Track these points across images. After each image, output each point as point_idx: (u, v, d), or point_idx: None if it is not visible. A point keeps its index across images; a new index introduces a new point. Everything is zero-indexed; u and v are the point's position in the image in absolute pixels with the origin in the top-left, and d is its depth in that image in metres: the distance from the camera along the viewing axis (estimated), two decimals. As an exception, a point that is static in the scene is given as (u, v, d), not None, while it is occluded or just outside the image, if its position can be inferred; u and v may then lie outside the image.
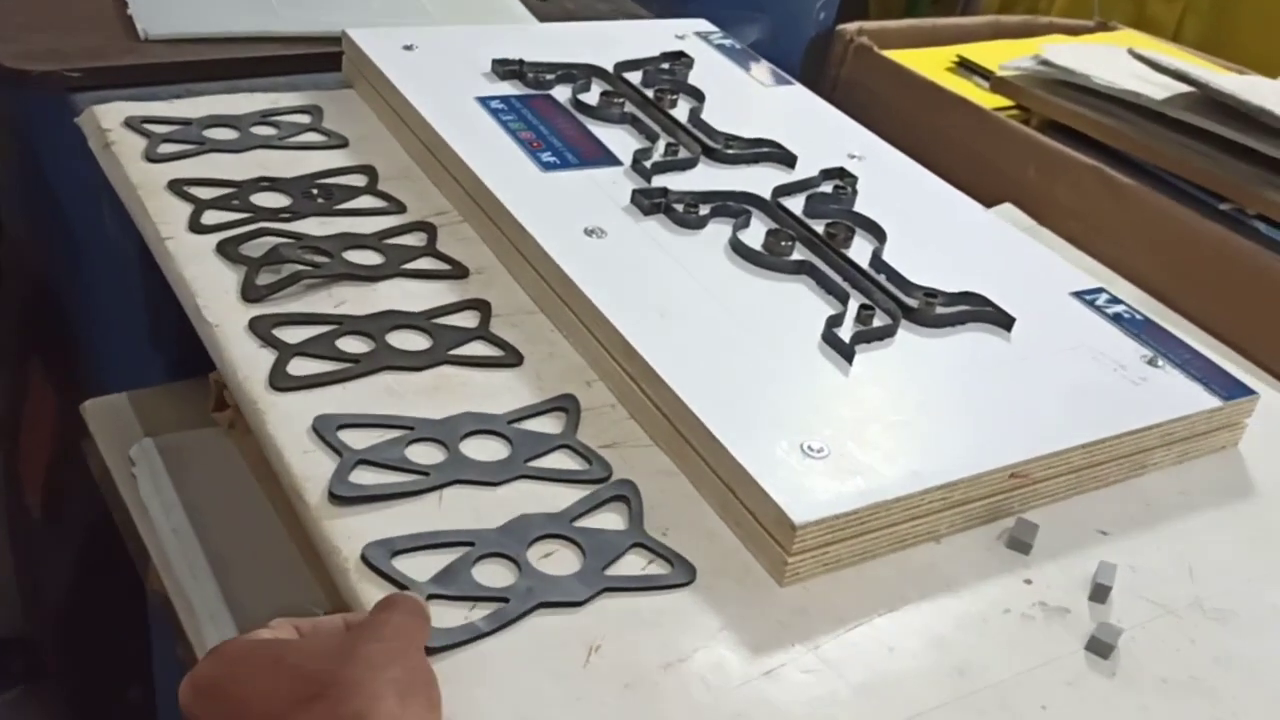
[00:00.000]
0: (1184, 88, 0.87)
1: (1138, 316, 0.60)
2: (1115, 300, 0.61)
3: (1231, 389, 0.56)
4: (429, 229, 0.62)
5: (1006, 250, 0.65)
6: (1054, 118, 0.92)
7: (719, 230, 0.61)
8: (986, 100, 0.95)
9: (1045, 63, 0.94)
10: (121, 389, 0.75)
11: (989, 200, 0.84)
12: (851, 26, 1.03)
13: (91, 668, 1.13)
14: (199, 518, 0.62)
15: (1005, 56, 1.00)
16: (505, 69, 0.73)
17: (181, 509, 0.62)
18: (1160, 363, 0.56)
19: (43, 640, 1.28)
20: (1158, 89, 0.88)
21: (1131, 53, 0.93)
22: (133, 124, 0.67)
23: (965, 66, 1.04)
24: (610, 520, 0.46)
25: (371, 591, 0.41)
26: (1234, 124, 0.82)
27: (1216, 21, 1.46)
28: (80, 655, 1.15)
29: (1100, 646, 0.44)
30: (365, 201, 0.64)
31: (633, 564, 0.44)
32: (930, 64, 1.03)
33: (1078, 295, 0.61)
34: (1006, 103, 0.96)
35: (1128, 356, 0.56)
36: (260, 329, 0.53)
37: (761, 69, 0.82)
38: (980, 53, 1.06)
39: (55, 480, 1.09)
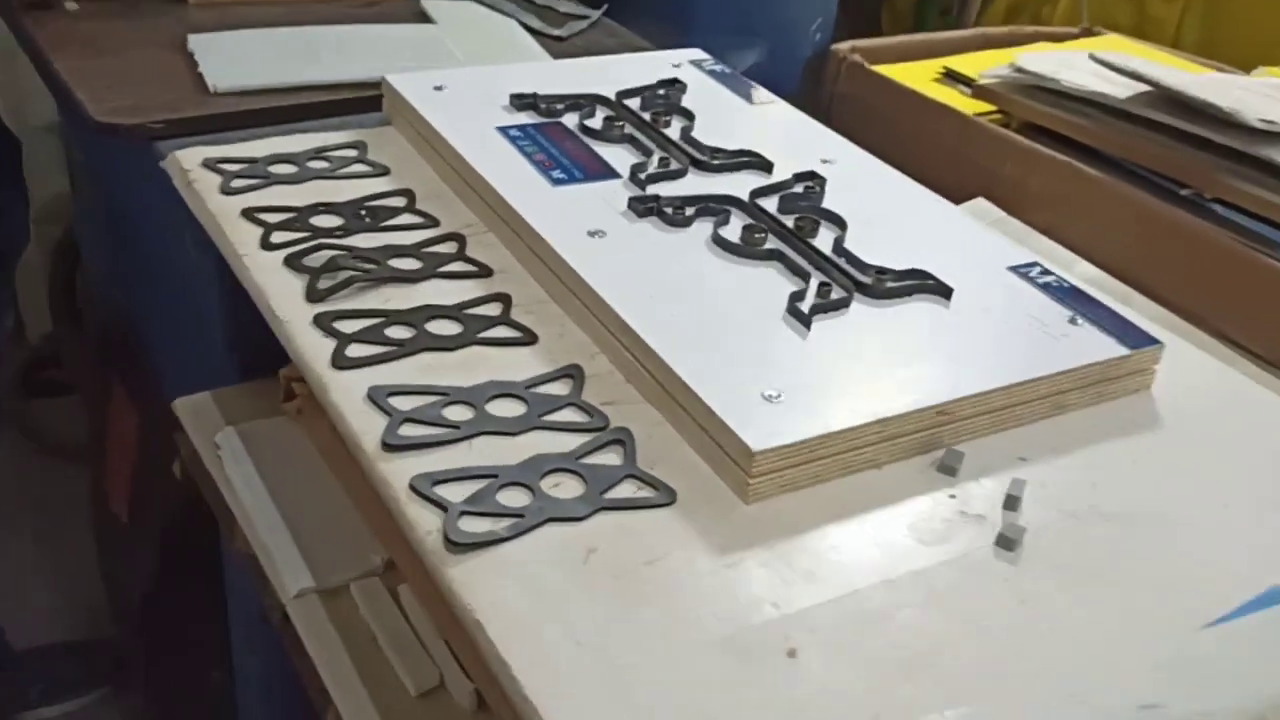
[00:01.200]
0: (1143, 86, 0.96)
1: (1065, 284, 0.70)
2: (1047, 272, 0.71)
3: (1139, 340, 0.65)
4: (459, 239, 0.74)
5: (955, 235, 0.75)
6: (1030, 119, 1.01)
7: (703, 228, 0.72)
8: (970, 106, 1.04)
9: (1020, 70, 1.03)
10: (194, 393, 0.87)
11: (969, 195, 0.94)
12: (844, 45, 1.13)
13: (173, 655, 1.25)
14: (274, 488, 0.74)
15: (990, 66, 1.09)
16: (522, 101, 0.85)
17: (260, 481, 0.74)
18: (1079, 321, 0.66)
19: (127, 639, 1.40)
20: (1121, 88, 0.97)
21: (1092, 57, 1.02)
22: (209, 164, 0.79)
23: (951, 76, 1.13)
24: (609, 458, 0.57)
25: (421, 513, 0.52)
26: (1188, 117, 0.91)
27: (1213, 21, 1.53)
28: (162, 645, 1.27)
29: (1006, 542, 0.54)
30: (405, 218, 0.76)
31: (625, 490, 0.55)
32: (919, 76, 1.12)
33: (1014, 269, 0.71)
34: (989, 108, 1.04)
35: (1051, 317, 0.66)
36: (322, 323, 0.64)
37: (748, 89, 0.93)
38: (967, 63, 1.14)
39: (140, 487, 1.22)
